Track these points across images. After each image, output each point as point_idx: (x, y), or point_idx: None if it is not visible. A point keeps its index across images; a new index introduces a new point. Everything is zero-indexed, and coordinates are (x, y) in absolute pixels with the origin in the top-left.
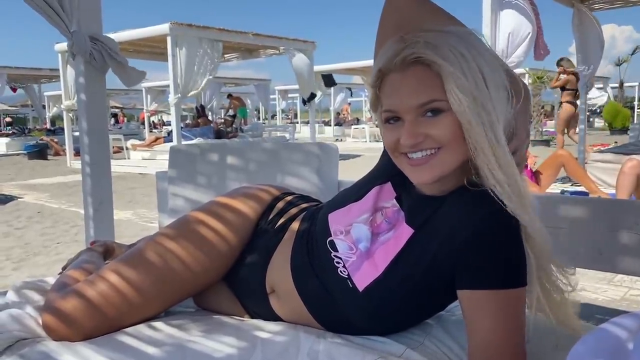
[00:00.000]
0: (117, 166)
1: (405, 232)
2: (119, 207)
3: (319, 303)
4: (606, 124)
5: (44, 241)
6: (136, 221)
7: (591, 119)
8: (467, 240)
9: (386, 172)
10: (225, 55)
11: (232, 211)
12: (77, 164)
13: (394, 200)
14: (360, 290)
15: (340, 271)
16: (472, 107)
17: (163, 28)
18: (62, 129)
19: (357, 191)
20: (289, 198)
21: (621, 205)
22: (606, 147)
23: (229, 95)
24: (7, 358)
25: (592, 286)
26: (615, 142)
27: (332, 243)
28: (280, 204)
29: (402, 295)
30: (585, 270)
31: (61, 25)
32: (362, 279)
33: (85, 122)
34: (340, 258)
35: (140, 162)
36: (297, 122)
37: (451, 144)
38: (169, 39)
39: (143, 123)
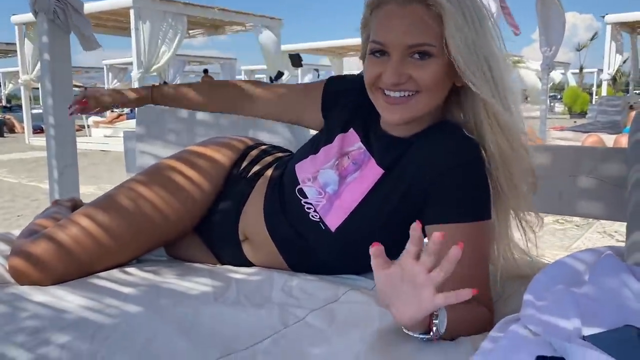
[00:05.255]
0: (79, 143)
1: (374, 171)
2: (82, 182)
3: (292, 248)
4: (566, 109)
5: (3, 214)
6: (99, 195)
7: (552, 104)
8: (437, 175)
9: (339, 119)
10: (190, 31)
11: (205, 159)
12: (36, 141)
13: (360, 142)
14: (333, 231)
15: (312, 216)
16: (470, 46)
17: (126, 1)
18: (19, 106)
19: (317, 144)
20: (262, 147)
21: (581, 151)
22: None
23: (205, 71)
24: None
25: (552, 253)
26: (575, 122)
27: (301, 190)
28: (254, 152)
29: (373, 232)
30: (544, 238)
31: None
32: (334, 220)
33: (50, 83)
34: (311, 203)
35: (102, 139)
36: None
37: (430, 90)
38: (132, 12)
39: None
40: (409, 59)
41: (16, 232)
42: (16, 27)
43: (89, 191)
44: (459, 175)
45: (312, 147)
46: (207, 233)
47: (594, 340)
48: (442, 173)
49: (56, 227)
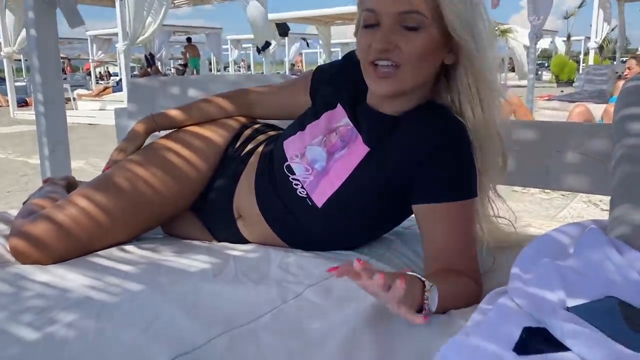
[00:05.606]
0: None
1: (361, 148)
2: (71, 157)
3: (283, 224)
4: (553, 77)
5: None
6: (89, 170)
7: (539, 72)
8: (426, 154)
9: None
10: (175, 1)
11: (200, 138)
12: (21, 114)
13: (347, 119)
14: (319, 207)
15: (299, 192)
16: (463, 14)
17: None
18: (2, 79)
19: (303, 122)
20: (256, 126)
21: (567, 127)
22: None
23: (188, 39)
24: None
25: (538, 223)
26: (562, 91)
27: (289, 167)
28: (247, 132)
29: (358, 209)
30: (531, 208)
31: None
32: (320, 196)
33: (37, 59)
34: (298, 180)
35: (89, 112)
36: (251, 74)
37: (415, 63)
38: None
39: (89, 74)
40: (399, 28)
41: (13, 212)
42: None
43: (78, 166)
44: (447, 155)
45: (299, 125)
46: (203, 211)
47: (577, 311)
48: (430, 153)
49: (55, 207)
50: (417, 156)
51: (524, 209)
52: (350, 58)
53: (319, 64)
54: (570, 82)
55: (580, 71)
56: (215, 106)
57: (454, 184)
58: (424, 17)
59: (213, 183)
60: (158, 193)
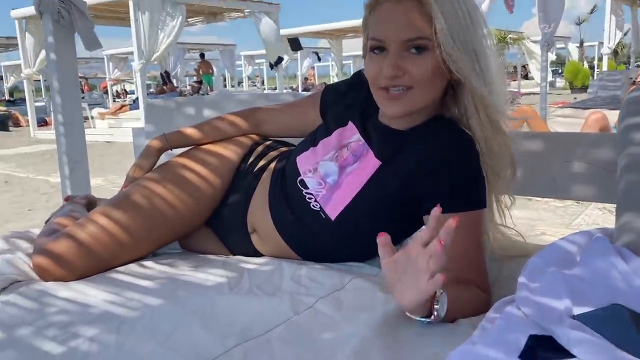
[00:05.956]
0: None
1: (372, 162)
2: (90, 175)
3: (297, 237)
4: (567, 83)
5: (14, 209)
6: (108, 187)
7: (553, 78)
8: (435, 167)
9: (340, 116)
10: (189, 19)
11: (214, 156)
12: (41, 134)
13: (358, 135)
14: (333, 220)
15: (313, 205)
16: (458, 38)
17: None
18: (22, 99)
19: (315, 138)
20: (268, 142)
21: (573, 137)
22: (566, 104)
23: (201, 55)
24: (5, 296)
25: (553, 230)
26: (575, 99)
27: (302, 181)
28: (259, 148)
29: (371, 221)
30: (545, 216)
31: None
32: (333, 209)
33: (57, 81)
34: (312, 193)
35: (107, 130)
36: (264, 89)
37: (425, 84)
38: (131, 3)
39: (106, 92)
40: (405, 53)
41: (35, 231)
42: (16, 22)
43: (97, 183)
44: (455, 167)
45: (312, 141)
46: (218, 226)
47: (583, 319)
48: (439, 166)
49: (76, 225)
50: (425, 168)
51: (538, 217)
52: (359, 76)
53: (330, 83)
54: (584, 89)
55: (595, 77)
56: (227, 124)
57: (463, 195)
58: (428, 41)
59: (227, 199)
60: (175, 210)
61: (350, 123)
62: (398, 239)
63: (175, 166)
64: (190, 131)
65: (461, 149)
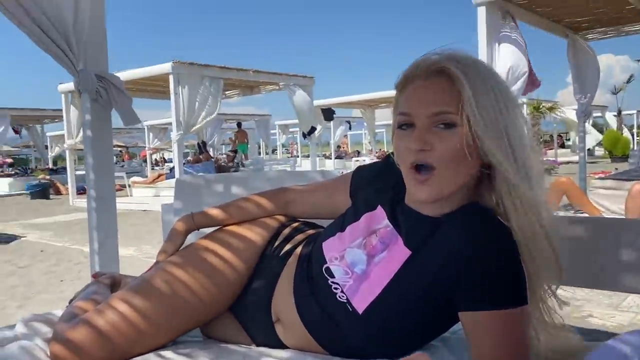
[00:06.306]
0: (120, 203)
1: (402, 252)
2: (122, 244)
3: (322, 330)
4: (606, 152)
5: (48, 279)
6: (140, 257)
7: (592, 148)
8: (468, 261)
9: (369, 201)
10: (226, 92)
11: (239, 238)
12: (79, 202)
13: (387, 220)
14: (360, 313)
15: (339, 296)
16: (486, 115)
17: (165, 67)
18: (65, 168)
19: (343, 222)
20: (295, 224)
21: (622, 223)
22: (607, 175)
23: (238, 124)
24: None
25: (600, 312)
26: (616, 169)
27: (328, 270)
28: (286, 231)
29: (401, 316)
30: (591, 296)
31: (68, 64)
32: (361, 302)
33: (92, 158)
34: (338, 283)
35: (143, 199)
36: (298, 156)
37: (447, 163)
38: (171, 78)
39: (145, 161)
40: (433, 128)
41: (57, 312)
42: (62, 96)
43: (129, 253)
44: (488, 262)
45: (339, 225)
46: (241, 313)
47: None
48: (473, 259)
49: (95, 312)
50: (457, 261)
51: (583, 297)
52: (389, 159)
53: (362, 152)
54: (625, 158)
55: (635, 147)
56: (254, 205)
57: (498, 291)
58: (455, 116)
59: (251, 284)
60: (197, 297)
61: (379, 207)
62: (431, 335)
63: (199, 249)
64: (216, 212)
65: (495, 242)
